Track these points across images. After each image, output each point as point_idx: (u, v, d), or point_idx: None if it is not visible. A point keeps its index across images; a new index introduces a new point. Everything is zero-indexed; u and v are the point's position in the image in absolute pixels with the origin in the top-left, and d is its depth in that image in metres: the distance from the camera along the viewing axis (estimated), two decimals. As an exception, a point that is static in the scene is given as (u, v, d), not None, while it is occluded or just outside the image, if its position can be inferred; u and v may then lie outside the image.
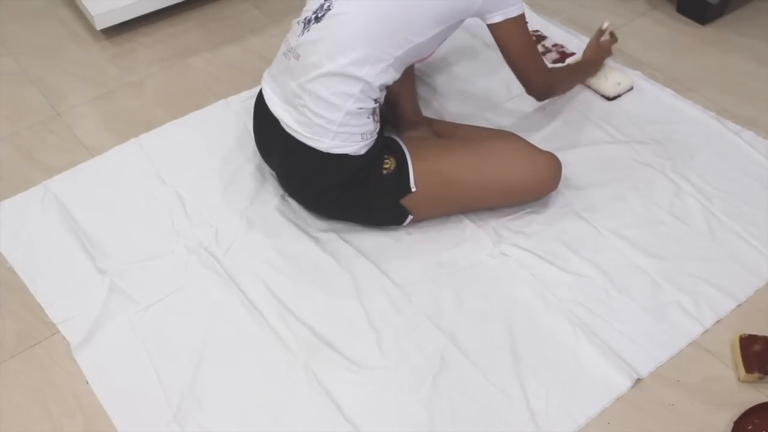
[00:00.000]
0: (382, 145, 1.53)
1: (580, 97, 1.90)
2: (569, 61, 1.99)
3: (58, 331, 1.44)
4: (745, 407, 1.29)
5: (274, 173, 1.68)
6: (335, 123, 1.44)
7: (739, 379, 1.35)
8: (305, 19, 1.48)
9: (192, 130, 1.86)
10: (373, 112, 1.49)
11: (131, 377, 1.38)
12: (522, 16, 1.51)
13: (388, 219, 1.59)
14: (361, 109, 1.45)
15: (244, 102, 1.90)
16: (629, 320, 1.43)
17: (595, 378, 1.35)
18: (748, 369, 1.33)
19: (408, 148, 1.53)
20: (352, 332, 1.43)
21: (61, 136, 1.87)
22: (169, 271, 1.54)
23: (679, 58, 2.03)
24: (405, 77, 1.57)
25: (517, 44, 1.55)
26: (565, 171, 1.62)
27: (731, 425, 1.27)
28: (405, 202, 1.52)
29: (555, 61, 2.01)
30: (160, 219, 1.64)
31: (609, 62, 1.94)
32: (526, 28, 1.55)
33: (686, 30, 2.13)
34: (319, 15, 1.45)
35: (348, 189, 1.52)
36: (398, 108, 1.75)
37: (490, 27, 1.51)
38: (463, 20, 1.51)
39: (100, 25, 2.11)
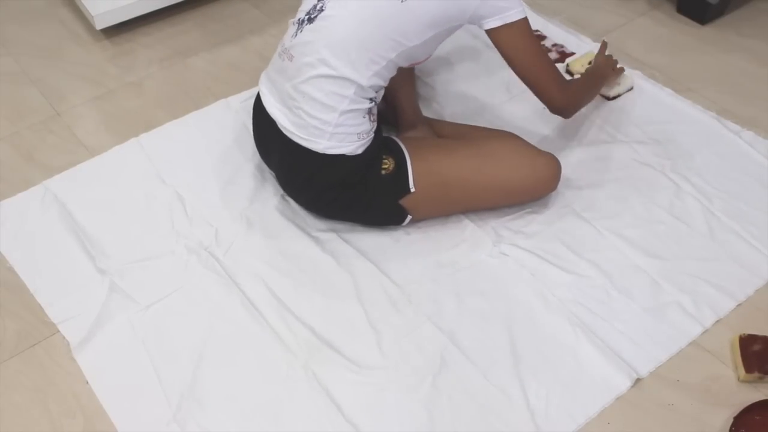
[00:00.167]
0: (381, 145, 1.53)
1: (580, 97, 1.91)
2: (568, 60, 1.98)
3: (58, 331, 1.44)
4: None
5: (273, 173, 1.68)
6: (330, 124, 1.44)
7: (738, 379, 1.35)
8: (299, 20, 1.48)
9: (192, 130, 1.86)
10: (369, 112, 1.48)
11: (131, 377, 1.38)
12: (523, 21, 1.44)
13: (387, 219, 1.58)
14: (356, 109, 1.44)
15: (244, 102, 1.90)
16: (629, 320, 1.43)
17: (595, 378, 1.35)
18: (748, 369, 1.34)
19: (407, 149, 1.53)
20: (352, 332, 1.43)
21: (61, 136, 1.87)
22: (169, 271, 1.54)
23: (679, 58, 2.03)
24: (405, 77, 1.57)
25: (520, 52, 1.46)
26: (565, 171, 1.62)
27: (731, 421, 1.27)
28: (404, 202, 1.52)
29: (555, 61, 2.00)
30: (160, 219, 1.64)
31: None
32: (530, 34, 1.46)
33: (686, 30, 2.13)
34: (312, 16, 1.44)
35: (346, 189, 1.52)
36: (398, 108, 1.75)
37: (489, 34, 1.45)
38: (459, 26, 1.47)
39: (100, 25, 2.11)
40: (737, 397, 1.32)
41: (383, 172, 1.50)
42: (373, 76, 1.43)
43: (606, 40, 1.87)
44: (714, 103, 1.88)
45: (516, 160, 1.56)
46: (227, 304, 1.48)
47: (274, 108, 1.52)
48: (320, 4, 1.44)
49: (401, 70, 1.51)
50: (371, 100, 1.47)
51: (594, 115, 1.86)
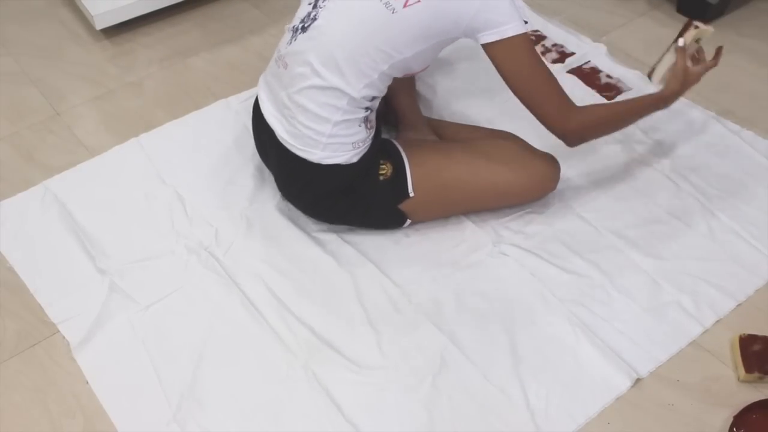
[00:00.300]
0: (378, 150, 1.51)
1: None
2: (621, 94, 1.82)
3: (58, 331, 1.44)
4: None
5: (273, 175, 1.68)
6: (324, 135, 1.42)
7: (738, 379, 1.35)
8: (294, 27, 1.46)
9: (192, 130, 1.86)
10: (365, 120, 1.45)
11: (131, 377, 1.37)
12: (521, 38, 1.34)
13: (386, 223, 1.58)
14: (350, 119, 1.42)
15: (244, 102, 1.90)
16: (629, 320, 1.43)
17: (595, 378, 1.35)
18: (748, 369, 1.34)
19: (406, 152, 1.52)
20: (352, 332, 1.43)
21: (61, 136, 1.87)
22: (169, 271, 1.54)
23: (679, 58, 2.03)
24: (405, 79, 1.56)
25: (515, 70, 1.37)
26: (565, 171, 1.62)
27: (730, 421, 1.27)
28: (403, 206, 1.52)
29: (555, 61, 2.00)
30: (160, 219, 1.64)
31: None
32: (529, 53, 1.36)
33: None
34: (306, 25, 1.42)
35: (344, 196, 1.51)
36: (398, 109, 1.74)
37: (485, 48, 1.37)
38: (454, 38, 1.40)
39: (99, 25, 2.11)
40: (737, 397, 1.32)
41: (381, 177, 1.50)
42: (365, 87, 1.40)
43: (681, 45, 1.50)
44: (714, 103, 1.88)
45: (515, 161, 1.56)
46: (227, 304, 1.48)
47: (271, 116, 1.51)
48: (314, 13, 1.41)
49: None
50: (366, 108, 1.45)
51: (594, 115, 1.85)
